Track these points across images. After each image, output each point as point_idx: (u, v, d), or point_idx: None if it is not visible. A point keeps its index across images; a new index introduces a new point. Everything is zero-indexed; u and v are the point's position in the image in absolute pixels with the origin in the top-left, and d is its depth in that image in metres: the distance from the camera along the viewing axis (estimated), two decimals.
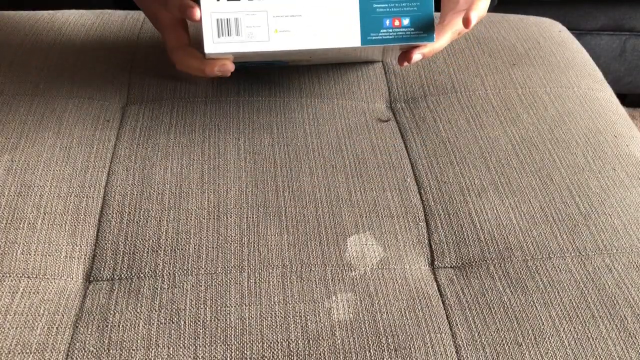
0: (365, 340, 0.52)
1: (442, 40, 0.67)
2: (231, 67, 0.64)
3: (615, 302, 0.56)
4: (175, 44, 0.65)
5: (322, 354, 0.51)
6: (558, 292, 0.56)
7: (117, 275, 0.57)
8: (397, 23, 0.62)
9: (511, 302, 0.56)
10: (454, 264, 0.60)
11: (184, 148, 0.68)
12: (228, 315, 0.54)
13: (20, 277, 0.56)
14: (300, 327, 0.53)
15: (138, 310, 0.54)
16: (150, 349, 0.52)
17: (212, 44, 0.60)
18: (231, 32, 0.60)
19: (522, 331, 0.53)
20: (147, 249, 0.59)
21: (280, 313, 0.54)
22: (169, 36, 0.66)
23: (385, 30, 0.62)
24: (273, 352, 0.52)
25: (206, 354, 0.51)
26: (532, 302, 0.55)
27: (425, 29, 0.63)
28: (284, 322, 0.53)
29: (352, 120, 0.73)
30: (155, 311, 0.54)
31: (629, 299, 0.56)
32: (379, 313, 0.54)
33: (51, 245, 0.59)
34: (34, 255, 0.58)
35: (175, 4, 0.63)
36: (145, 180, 0.65)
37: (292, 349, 0.52)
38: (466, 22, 0.64)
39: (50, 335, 0.52)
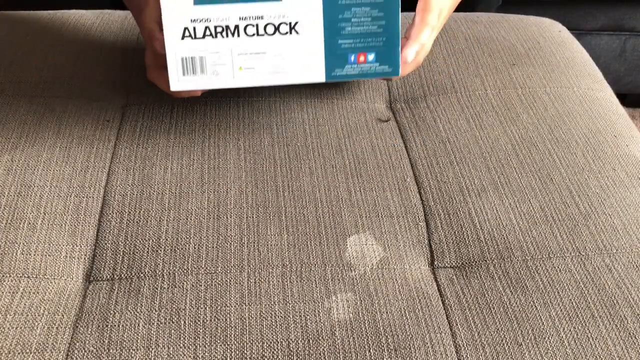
0: (365, 340, 0.52)
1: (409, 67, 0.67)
2: (198, 92, 0.66)
3: (615, 302, 0.56)
4: (151, 62, 0.67)
5: (322, 354, 0.51)
6: (558, 292, 0.56)
7: (117, 275, 0.57)
8: (362, 58, 0.62)
9: (511, 302, 0.56)
10: (454, 264, 0.60)
11: (184, 148, 0.68)
12: (228, 315, 0.54)
13: (20, 277, 0.56)
14: (300, 327, 0.53)
15: (138, 310, 0.54)
16: (150, 349, 0.52)
17: (177, 82, 0.61)
18: (196, 70, 0.61)
19: (522, 331, 0.53)
20: (147, 249, 0.59)
21: (280, 313, 0.54)
22: (148, 53, 0.67)
23: (350, 66, 0.62)
24: (273, 352, 0.52)
25: (206, 354, 0.51)
26: (532, 302, 0.55)
27: (391, 63, 0.63)
28: (284, 322, 0.53)
29: (352, 120, 0.73)
30: (155, 311, 0.54)
31: (629, 299, 0.56)
32: (378, 313, 0.54)
33: (51, 245, 0.59)
34: (34, 255, 0.58)
35: (145, 31, 0.64)
36: (145, 180, 0.65)
37: (292, 349, 0.52)
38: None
39: (50, 335, 0.52)
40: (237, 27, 0.59)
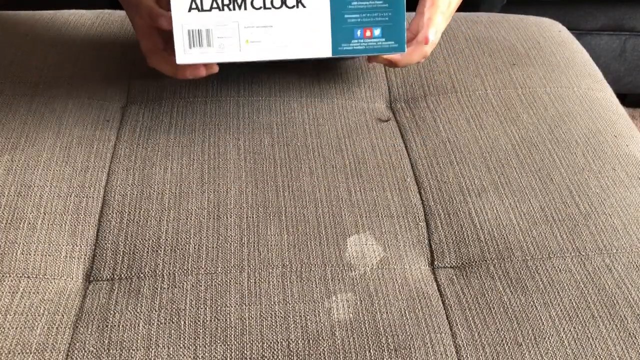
0: (365, 340, 0.52)
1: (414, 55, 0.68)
2: (203, 72, 0.65)
3: (615, 302, 0.56)
4: (149, 48, 0.67)
5: (322, 354, 0.51)
6: (558, 292, 0.56)
7: (117, 275, 0.57)
8: (368, 34, 0.63)
9: (511, 302, 0.56)
10: (454, 264, 0.60)
11: (184, 148, 0.68)
12: (228, 315, 0.54)
13: (20, 277, 0.56)
14: (300, 327, 0.53)
15: (138, 310, 0.54)
16: (150, 349, 0.52)
17: (184, 55, 0.61)
18: (202, 42, 0.61)
19: (522, 331, 0.53)
20: (147, 249, 0.59)
21: (280, 313, 0.54)
22: (144, 41, 0.67)
23: (356, 41, 0.63)
24: (273, 352, 0.52)
25: (206, 354, 0.51)
26: (532, 302, 0.55)
27: (397, 39, 0.63)
28: (284, 322, 0.53)
29: (352, 120, 0.73)
30: (155, 311, 0.54)
31: (629, 299, 0.56)
32: (379, 313, 0.54)
33: (51, 245, 0.59)
34: (34, 255, 0.58)
35: (146, 11, 0.64)
36: (145, 180, 0.65)
37: (292, 349, 0.52)
38: (424, 40, 0.66)
39: (50, 335, 0.52)
40: (244, 0, 0.59)
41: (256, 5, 0.60)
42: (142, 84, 0.76)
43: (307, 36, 0.62)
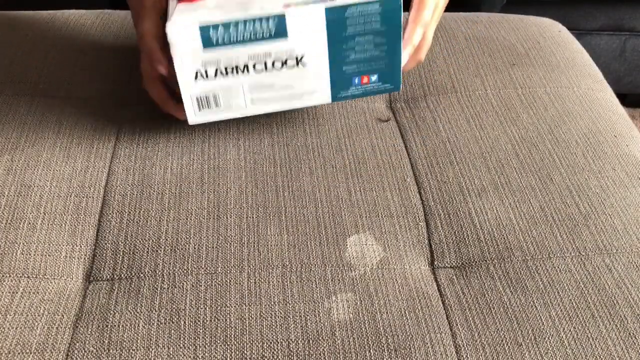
0: (365, 340, 0.52)
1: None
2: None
3: (615, 302, 0.56)
4: (146, 73, 0.67)
5: (322, 354, 0.51)
6: (558, 292, 0.56)
7: (117, 275, 0.57)
8: (365, 80, 0.65)
9: (511, 302, 0.56)
10: (454, 264, 0.60)
11: (184, 148, 0.68)
12: (228, 315, 0.54)
13: (20, 277, 0.56)
14: (300, 327, 0.53)
15: (138, 310, 0.54)
16: (150, 349, 0.52)
17: (194, 116, 0.65)
18: (211, 105, 0.64)
19: (522, 331, 0.53)
20: (147, 249, 0.59)
21: (280, 313, 0.54)
22: (143, 64, 0.67)
23: (354, 87, 0.65)
24: (273, 352, 0.52)
25: (206, 354, 0.51)
26: (532, 302, 0.55)
27: (393, 81, 0.66)
28: (284, 322, 0.53)
29: (352, 120, 0.73)
30: (155, 311, 0.54)
31: (629, 299, 0.56)
32: (379, 313, 0.54)
33: (51, 245, 0.59)
34: (34, 255, 0.58)
35: (147, 48, 0.65)
36: (145, 180, 0.65)
37: (292, 349, 0.52)
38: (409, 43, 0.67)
39: (50, 335, 0.52)
40: (246, 65, 0.62)
41: (258, 68, 0.62)
42: (142, 84, 0.76)
43: (308, 89, 0.65)
